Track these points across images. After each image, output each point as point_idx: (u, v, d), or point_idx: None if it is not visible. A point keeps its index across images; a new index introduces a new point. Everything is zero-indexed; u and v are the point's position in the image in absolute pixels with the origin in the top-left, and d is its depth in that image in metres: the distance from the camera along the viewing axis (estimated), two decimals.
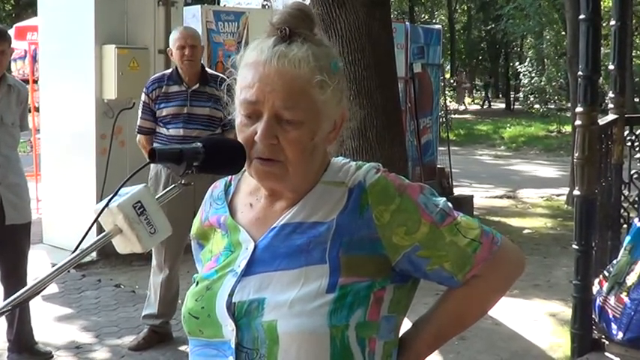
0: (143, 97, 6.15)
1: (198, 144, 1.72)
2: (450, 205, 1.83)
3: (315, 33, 1.80)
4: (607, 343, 5.21)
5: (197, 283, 1.87)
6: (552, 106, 30.52)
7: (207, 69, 6.43)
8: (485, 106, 42.81)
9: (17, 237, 5.67)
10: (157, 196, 1.75)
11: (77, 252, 1.66)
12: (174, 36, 6.15)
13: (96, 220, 1.69)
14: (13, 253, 5.69)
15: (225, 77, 5.97)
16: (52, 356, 5.90)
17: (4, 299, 5.57)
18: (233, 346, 1.74)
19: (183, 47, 6.03)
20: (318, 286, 1.71)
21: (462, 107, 38.39)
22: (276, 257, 1.77)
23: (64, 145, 8.96)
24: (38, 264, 7.78)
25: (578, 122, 5.21)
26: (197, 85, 6.09)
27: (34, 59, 11.47)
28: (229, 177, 1.97)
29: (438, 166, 12.90)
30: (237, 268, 1.80)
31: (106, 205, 1.68)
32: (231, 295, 1.77)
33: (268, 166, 1.75)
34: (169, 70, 6.27)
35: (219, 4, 13.53)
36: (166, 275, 6.11)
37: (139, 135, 6.21)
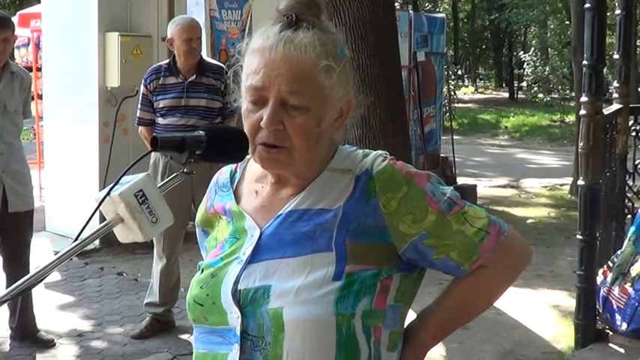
0: (142, 88, 6.12)
1: (201, 132, 1.71)
2: (457, 193, 1.82)
3: (322, 20, 1.80)
4: (611, 333, 5.20)
5: (202, 271, 1.87)
6: (556, 96, 30.56)
7: (205, 58, 6.37)
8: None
9: (20, 224, 5.67)
10: (158, 185, 1.74)
11: (79, 241, 1.65)
12: (179, 27, 6.01)
13: (97, 208, 1.68)
14: (15, 240, 5.69)
15: (224, 66, 5.91)
16: (55, 344, 5.90)
17: (7, 287, 5.57)
18: (238, 333, 1.74)
19: (191, 39, 5.96)
20: (325, 273, 1.71)
21: None
22: (282, 244, 1.76)
23: (67, 133, 8.96)
24: (41, 252, 7.78)
25: (582, 112, 5.19)
26: (194, 76, 6.03)
27: (38, 47, 11.45)
28: (234, 164, 1.96)
29: (442, 155, 12.90)
30: (243, 256, 1.79)
31: (108, 193, 1.67)
32: (236, 283, 1.76)
33: (273, 153, 1.74)
34: (166, 61, 6.20)
35: None
36: (164, 264, 6.10)
37: (139, 127, 6.19)
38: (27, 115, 5.98)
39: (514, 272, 1.92)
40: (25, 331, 5.83)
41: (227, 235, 1.88)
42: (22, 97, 5.76)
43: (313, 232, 1.75)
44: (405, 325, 1.87)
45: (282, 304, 1.69)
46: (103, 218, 1.70)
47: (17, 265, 5.62)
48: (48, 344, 5.86)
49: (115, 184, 1.68)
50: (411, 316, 1.88)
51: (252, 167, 1.90)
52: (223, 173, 1.98)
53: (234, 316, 1.75)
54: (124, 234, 1.71)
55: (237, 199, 1.90)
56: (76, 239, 1.65)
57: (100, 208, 1.69)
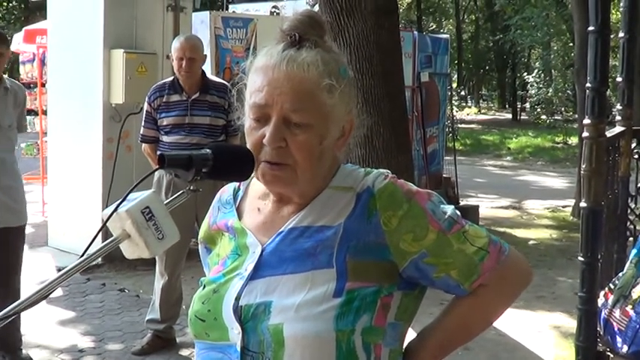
0: (145, 106, 6.16)
1: (207, 150, 1.72)
2: (458, 212, 1.83)
3: (325, 40, 1.82)
4: (611, 356, 5.18)
5: (204, 286, 1.88)
6: (559, 118, 30.58)
7: (209, 76, 6.40)
8: None
9: (11, 239, 5.63)
10: (165, 202, 1.75)
11: (84, 256, 1.66)
12: (174, 45, 6.11)
13: (104, 224, 1.69)
14: (7, 255, 5.65)
15: (227, 84, 5.96)
16: None
17: None
18: (239, 349, 1.75)
19: (182, 59, 5.99)
20: (325, 290, 1.72)
21: None
22: (283, 261, 1.78)
23: (71, 149, 8.98)
24: (43, 267, 7.80)
25: (585, 134, 5.19)
26: (197, 94, 6.07)
27: (43, 63, 11.49)
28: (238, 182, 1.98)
29: (444, 175, 12.90)
30: (244, 272, 1.81)
31: (115, 210, 1.68)
32: (237, 299, 1.77)
33: (276, 171, 1.76)
34: (170, 79, 6.25)
35: (227, 10, 13.56)
36: (166, 281, 6.10)
37: (143, 144, 6.22)
38: (21, 129, 5.98)
39: (514, 292, 1.92)
40: (6, 346, 5.74)
41: (229, 251, 1.89)
42: (17, 112, 5.74)
43: (314, 249, 1.76)
44: (405, 344, 1.87)
45: (282, 320, 1.70)
46: (106, 235, 1.71)
47: (8, 280, 5.59)
48: None
49: (122, 201, 1.69)
50: (411, 335, 1.89)
51: (255, 185, 1.92)
52: (226, 191, 2.00)
53: (234, 332, 1.76)
54: (130, 250, 1.72)
55: (240, 216, 1.91)
56: (82, 255, 1.66)
57: (107, 224, 1.70)
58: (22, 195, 5.83)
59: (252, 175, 1.81)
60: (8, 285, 5.59)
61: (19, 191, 5.77)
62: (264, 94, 1.74)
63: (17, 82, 6.27)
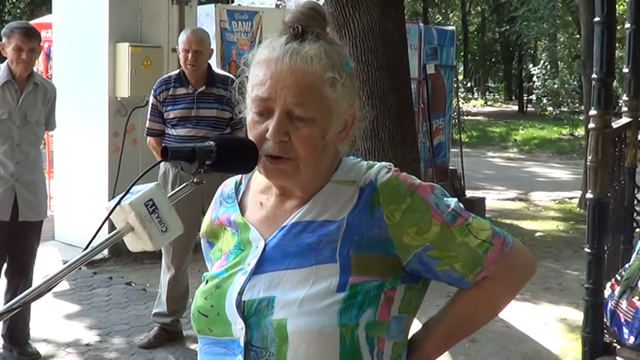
0: (151, 99, 6.16)
1: (211, 142, 1.71)
2: (461, 205, 1.82)
3: (328, 32, 1.81)
4: (618, 347, 5.18)
5: (207, 282, 1.87)
6: (565, 109, 30.52)
7: (214, 69, 6.40)
8: None
9: (29, 234, 5.68)
10: (168, 195, 1.75)
11: (88, 249, 1.66)
12: (181, 37, 6.13)
13: (107, 217, 1.69)
14: (23, 249, 5.69)
15: (233, 77, 5.94)
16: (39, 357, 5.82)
17: (7, 292, 5.58)
18: (242, 344, 1.74)
19: (187, 51, 6.00)
20: (329, 284, 1.71)
21: None
22: (286, 256, 1.77)
23: (77, 143, 8.98)
24: (50, 261, 7.80)
25: (591, 125, 5.19)
26: (203, 86, 6.07)
27: (48, 57, 11.49)
28: (239, 176, 1.97)
29: (450, 167, 12.88)
30: (247, 267, 1.80)
31: (118, 202, 1.68)
32: (240, 294, 1.77)
33: (278, 164, 1.75)
34: (176, 72, 6.25)
35: (233, 3, 13.55)
36: (173, 274, 6.11)
37: (148, 137, 6.22)
38: (50, 126, 6.04)
39: (518, 284, 1.91)
40: (14, 339, 5.77)
41: (232, 246, 1.88)
42: (46, 109, 5.79)
43: (317, 244, 1.75)
44: (410, 336, 1.87)
45: (286, 315, 1.70)
46: (112, 227, 1.71)
47: (21, 273, 5.62)
48: (33, 356, 5.79)
49: (126, 194, 1.69)
50: (416, 326, 1.88)
51: (257, 179, 1.91)
52: (228, 185, 1.99)
53: (238, 327, 1.75)
54: (133, 243, 1.72)
55: (242, 211, 1.91)
56: (86, 248, 1.66)
57: (111, 217, 1.70)
58: (44, 191, 5.89)
59: (255, 168, 1.81)
60: (27, 276, 5.64)
61: (41, 187, 5.82)
62: (267, 87, 1.73)
63: (49, 79, 6.30)
